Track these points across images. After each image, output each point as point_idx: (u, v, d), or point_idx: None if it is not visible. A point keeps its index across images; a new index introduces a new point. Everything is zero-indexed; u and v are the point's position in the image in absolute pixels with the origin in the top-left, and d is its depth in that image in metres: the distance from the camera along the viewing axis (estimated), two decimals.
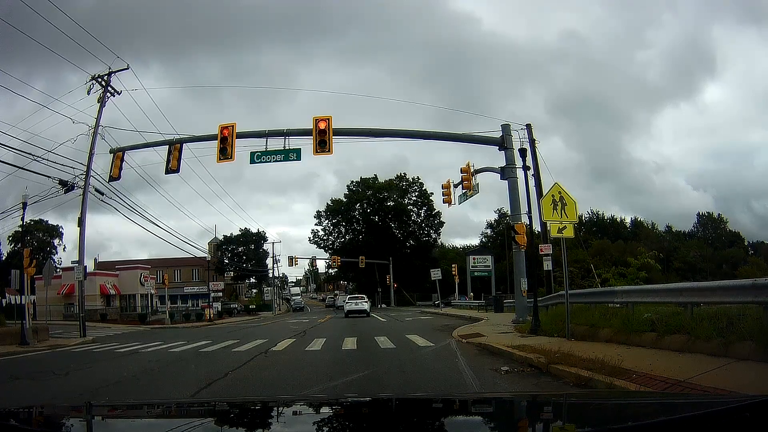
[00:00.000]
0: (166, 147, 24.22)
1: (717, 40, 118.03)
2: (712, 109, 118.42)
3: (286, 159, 20.43)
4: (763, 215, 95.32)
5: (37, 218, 70.09)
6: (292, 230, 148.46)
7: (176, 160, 23.41)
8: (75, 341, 23.77)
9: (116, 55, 29.36)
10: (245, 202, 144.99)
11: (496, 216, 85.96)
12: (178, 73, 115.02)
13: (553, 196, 14.81)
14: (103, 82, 30.67)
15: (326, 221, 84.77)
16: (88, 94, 30.51)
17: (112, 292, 62.51)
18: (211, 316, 45.13)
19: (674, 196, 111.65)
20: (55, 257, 75.94)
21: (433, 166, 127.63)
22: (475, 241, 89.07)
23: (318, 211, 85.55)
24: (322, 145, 19.37)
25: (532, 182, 23.00)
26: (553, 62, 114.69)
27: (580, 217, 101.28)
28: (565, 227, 14.74)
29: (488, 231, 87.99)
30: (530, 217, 17.48)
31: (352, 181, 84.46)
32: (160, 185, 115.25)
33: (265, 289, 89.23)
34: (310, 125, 20.37)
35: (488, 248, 69.07)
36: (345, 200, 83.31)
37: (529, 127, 24.73)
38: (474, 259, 59.65)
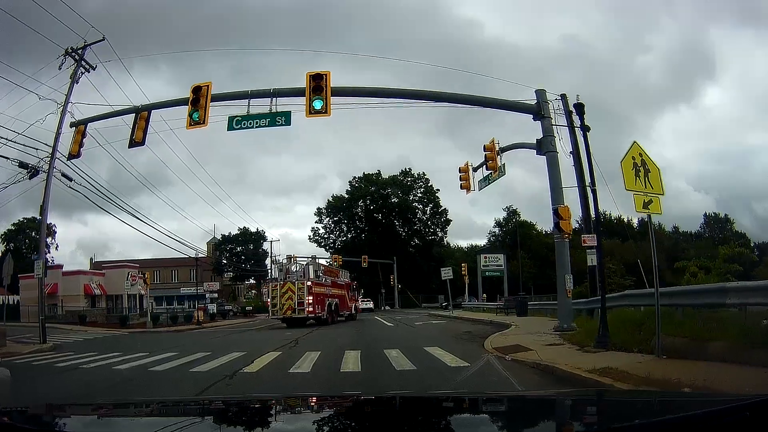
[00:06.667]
0: (133, 117, 20.32)
1: (716, 44, 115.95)
2: (712, 111, 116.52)
3: (273, 124, 16.33)
4: (764, 217, 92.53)
5: (30, 216, 69.50)
6: (295, 232, 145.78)
7: (141, 131, 19.49)
8: (31, 348, 19.86)
9: (91, 25, 25.35)
10: (248, 203, 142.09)
11: (504, 214, 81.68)
12: (184, 74, 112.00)
13: (633, 158, 10.79)
14: (76, 56, 26.98)
15: (327, 219, 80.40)
16: (60, 69, 27.06)
17: (98, 292, 58.15)
18: (199, 319, 40.87)
19: (676, 199, 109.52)
20: (48, 255, 73.14)
21: (437, 169, 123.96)
22: (480, 243, 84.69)
23: (318, 208, 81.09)
24: (318, 105, 15.28)
25: (574, 162, 18.91)
26: (555, 67, 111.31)
27: (585, 218, 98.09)
28: (651, 201, 10.74)
29: (496, 230, 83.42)
30: (594, 192, 13.15)
31: (355, 177, 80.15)
32: (164, 187, 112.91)
33: (265, 290, 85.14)
34: (302, 84, 16.33)
35: (499, 247, 64.79)
36: (347, 197, 78.90)
37: (564, 97, 20.59)
38: (485, 258, 55.35)
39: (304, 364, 11.34)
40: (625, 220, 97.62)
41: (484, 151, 20.71)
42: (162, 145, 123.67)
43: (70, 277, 56.67)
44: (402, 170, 79.65)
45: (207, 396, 7.34)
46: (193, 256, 47.31)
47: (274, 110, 16.44)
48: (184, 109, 18.05)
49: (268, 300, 33.39)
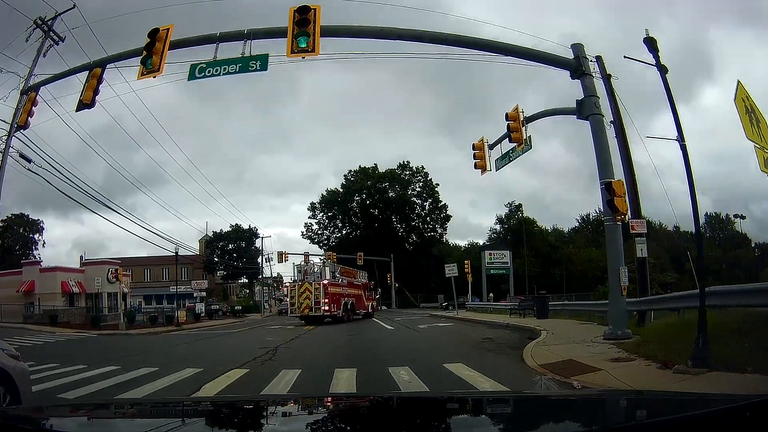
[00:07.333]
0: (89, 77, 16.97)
1: (715, 44, 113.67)
2: (710, 112, 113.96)
3: (245, 70, 12.65)
4: (761, 218, 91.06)
5: (18, 212, 67.81)
6: (291, 231, 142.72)
7: (91, 90, 16.08)
8: None
9: None
10: (244, 203, 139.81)
11: (506, 210, 77.61)
12: (182, 73, 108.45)
13: (743, 100, 7.26)
14: (45, 27, 23.89)
15: (321, 214, 76.07)
16: (27, 41, 24.15)
17: (76, 290, 54.08)
18: (179, 320, 37.07)
19: (674, 199, 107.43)
20: (36, 253, 69.74)
21: (436, 169, 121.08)
22: (479, 242, 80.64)
23: (312, 203, 76.63)
24: (303, 42, 11.60)
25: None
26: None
27: (587, 216, 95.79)
28: None
29: (498, 227, 79.20)
30: (684, 149, 9.13)
31: (350, 170, 75.71)
32: (160, 185, 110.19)
33: (257, 289, 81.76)
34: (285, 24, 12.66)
35: (502, 244, 60.80)
36: (342, 191, 74.74)
37: (599, 60, 17.09)
38: (490, 254, 51.43)
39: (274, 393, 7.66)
40: (626, 219, 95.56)
41: (507, 120, 17.12)
42: (158, 145, 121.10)
43: (47, 274, 52.65)
44: (400, 163, 75.47)
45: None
46: (174, 251, 43.30)
47: (248, 54, 12.78)
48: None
49: (287, 299, 34.33)
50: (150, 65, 13.11)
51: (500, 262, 50.76)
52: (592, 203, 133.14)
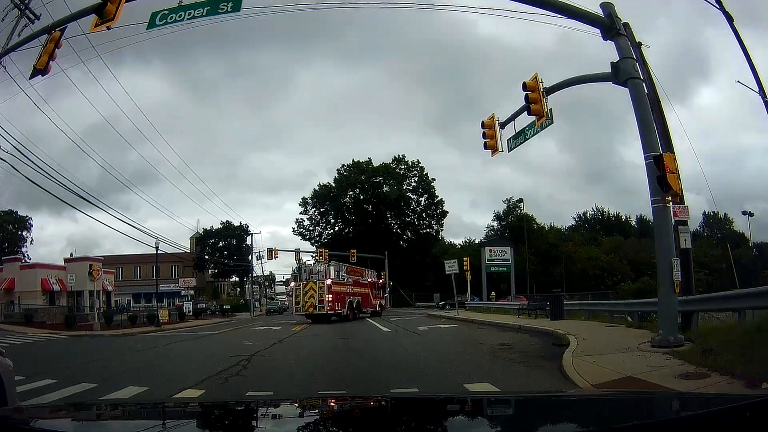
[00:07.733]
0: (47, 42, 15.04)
1: (711, 44, 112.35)
2: (705, 112, 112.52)
3: (214, 12, 10.37)
4: (758, 217, 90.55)
5: (7, 209, 66.14)
6: (284, 230, 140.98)
7: (47, 55, 14.43)
8: None
9: None
10: (238, 201, 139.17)
11: (504, 207, 75.11)
12: (179, 72, 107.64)
13: None
14: (22, 6, 21.95)
15: (313, 209, 73.35)
16: (2, 21, 22.22)
17: (57, 287, 51.49)
18: (159, 320, 34.62)
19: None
20: (24, 249, 67.93)
21: (433, 168, 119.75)
22: (475, 240, 78.28)
23: (303, 198, 73.79)
24: None
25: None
26: (548, 65, 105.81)
27: (584, 214, 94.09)
28: None
29: (495, 224, 76.66)
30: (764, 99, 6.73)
31: (343, 165, 73.09)
32: (154, 184, 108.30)
33: (248, 287, 79.55)
34: None
35: (502, 240, 58.36)
36: (334, 185, 72.13)
37: (627, 26, 14.84)
38: (490, 251, 49.03)
39: None
40: (623, 217, 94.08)
41: (525, 90, 14.74)
42: (152, 144, 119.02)
43: (28, 272, 50.25)
44: (395, 157, 72.67)
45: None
46: (155, 246, 40.73)
47: None
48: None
49: (292, 297, 34.14)
50: (105, 14, 10.83)
51: (501, 259, 48.41)
52: (589, 202, 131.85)
